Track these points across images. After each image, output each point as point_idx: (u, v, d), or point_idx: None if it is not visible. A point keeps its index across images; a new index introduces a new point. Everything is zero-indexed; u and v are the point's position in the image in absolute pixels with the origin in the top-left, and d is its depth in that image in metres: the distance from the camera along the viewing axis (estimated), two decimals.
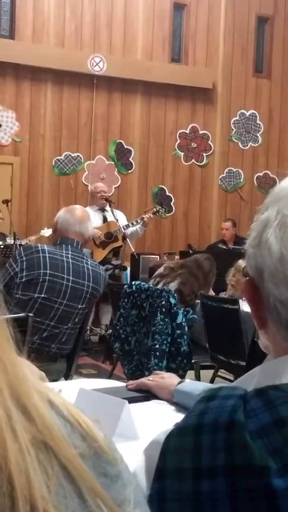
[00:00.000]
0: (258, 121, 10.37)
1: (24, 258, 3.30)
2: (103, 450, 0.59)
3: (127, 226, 7.31)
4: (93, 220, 4.36)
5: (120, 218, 7.35)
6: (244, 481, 0.71)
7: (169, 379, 2.08)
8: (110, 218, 7.38)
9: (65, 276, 3.33)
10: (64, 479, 0.54)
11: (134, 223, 7.42)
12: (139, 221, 7.44)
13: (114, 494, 0.57)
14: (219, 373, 5.00)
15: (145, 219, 7.43)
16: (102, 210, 7.47)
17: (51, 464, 0.54)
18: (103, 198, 7.43)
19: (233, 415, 0.74)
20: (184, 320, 4.27)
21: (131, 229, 7.37)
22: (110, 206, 7.42)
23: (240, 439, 0.72)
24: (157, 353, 4.16)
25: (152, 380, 2.12)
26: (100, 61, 9.19)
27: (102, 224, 7.38)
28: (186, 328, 4.29)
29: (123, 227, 7.15)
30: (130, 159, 9.61)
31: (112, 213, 7.25)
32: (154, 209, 7.64)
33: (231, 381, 4.20)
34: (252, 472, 0.70)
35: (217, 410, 0.76)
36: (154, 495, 0.75)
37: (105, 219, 7.43)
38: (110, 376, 5.20)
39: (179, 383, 2.01)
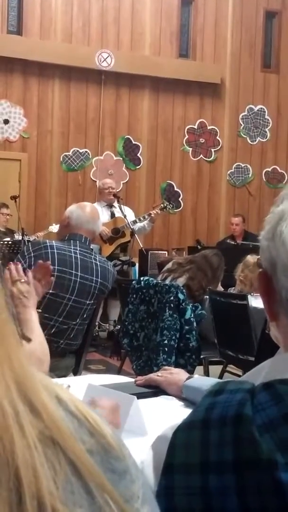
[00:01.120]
0: (266, 116, 10.33)
1: (32, 254, 3.29)
2: (111, 445, 0.58)
3: (135, 222, 7.31)
4: (100, 216, 4.37)
5: (128, 213, 7.36)
6: (252, 476, 0.70)
7: (178, 374, 2.08)
8: (117, 214, 7.38)
9: (73, 272, 3.33)
10: (72, 475, 0.54)
11: (142, 219, 7.43)
12: (146, 217, 7.44)
13: (122, 490, 0.57)
14: (227, 369, 5.00)
15: (152, 215, 7.42)
16: (110, 206, 7.47)
17: (59, 459, 0.54)
18: (111, 194, 7.44)
19: (240, 409, 0.74)
20: (192, 315, 4.26)
21: (138, 225, 7.38)
22: (118, 202, 7.42)
23: (248, 434, 0.72)
24: (166, 349, 4.16)
25: (161, 375, 2.12)
26: (108, 56, 9.18)
27: (110, 219, 7.38)
28: (195, 324, 4.28)
29: (130, 222, 7.16)
30: (138, 154, 9.61)
31: (120, 209, 7.26)
32: (162, 205, 7.63)
33: (239, 376, 4.20)
34: (260, 466, 0.70)
35: (225, 404, 0.76)
36: (162, 490, 0.75)
37: (112, 215, 7.44)
38: (118, 371, 5.20)
39: (187, 378, 2.01)
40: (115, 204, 7.43)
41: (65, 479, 0.53)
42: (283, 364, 0.85)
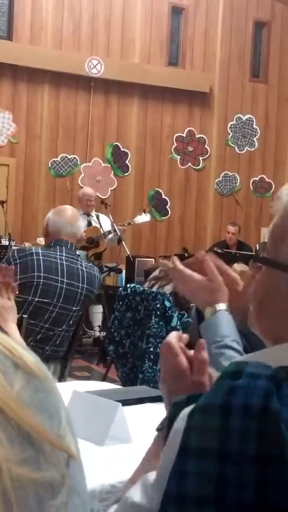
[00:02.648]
0: (254, 126, 10.38)
1: (18, 261, 3.29)
2: (34, 372, 0.59)
3: (109, 232, 7.36)
4: None
5: (104, 223, 7.44)
6: (275, 471, 0.70)
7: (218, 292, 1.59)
8: (94, 223, 7.47)
9: (59, 278, 3.33)
10: (6, 425, 0.53)
11: (112, 231, 7.41)
12: (121, 228, 7.45)
13: (53, 428, 0.57)
14: None
15: (125, 226, 7.52)
16: (88, 215, 7.54)
17: None
18: (89, 206, 7.53)
19: (267, 401, 0.72)
20: (179, 323, 4.27)
21: (110, 236, 7.43)
22: (105, 208, 7.50)
23: (274, 429, 0.71)
24: (151, 356, 4.16)
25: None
26: (98, 63, 9.20)
27: (86, 228, 7.42)
28: (181, 331, 4.28)
29: (104, 233, 7.26)
30: (127, 161, 9.62)
31: (97, 218, 7.36)
32: (138, 216, 7.77)
33: None
34: (284, 462, 0.69)
35: (247, 391, 0.74)
36: (174, 473, 0.74)
37: (89, 224, 7.50)
38: (103, 378, 5.19)
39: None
40: (92, 213, 7.52)
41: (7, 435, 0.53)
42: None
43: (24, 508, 0.51)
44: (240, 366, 0.77)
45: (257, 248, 0.95)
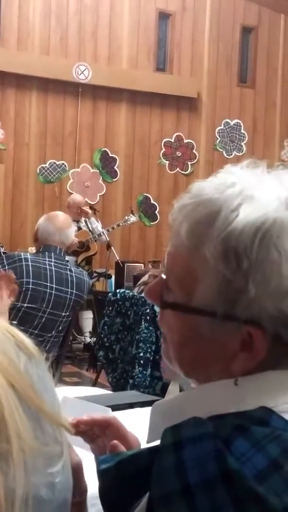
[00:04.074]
0: (242, 131, 10.42)
1: (6, 268, 3.28)
2: (33, 355, 0.67)
3: (99, 235, 7.40)
4: None
5: (93, 227, 7.48)
6: None
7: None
8: (83, 228, 7.50)
9: (48, 284, 3.32)
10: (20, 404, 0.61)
11: (106, 232, 7.54)
12: (110, 230, 7.61)
13: (50, 403, 0.65)
14: None
15: (114, 227, 7.60)
16: (77, 221, 7.55)
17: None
18: (78, 214, 7.56)
19: (224, 464, 0.65)
20: None
21: (100, 239, 7.51)
22: (95, 213, 7.51)
23: (249, 492, 0.63)
24: (141, 361, 4.15)
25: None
26: (85, 69, 9.20)
27: (76, 233, 7.45)
28: None
29: (94, 236, 7.31)
30: (115, 167, 9.62)
31: (86, 223, 7.40)
32: (126, 217, 7.83)
33: None
34: None
35: (197, 462, 0.66)
36: None
37: (79, 229, 7.51)
38: (94, 384, 5.18)
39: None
40: (82, 219, 7.55)
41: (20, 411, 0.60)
42: (219, 394, 0.76)
43: (35, 471, 0.60)
44: (176, 434, 0.69)
45: (159, 290, 0.83)
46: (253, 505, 0.63)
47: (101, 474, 0.77)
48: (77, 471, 0.79)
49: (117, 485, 0.74)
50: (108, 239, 7.52)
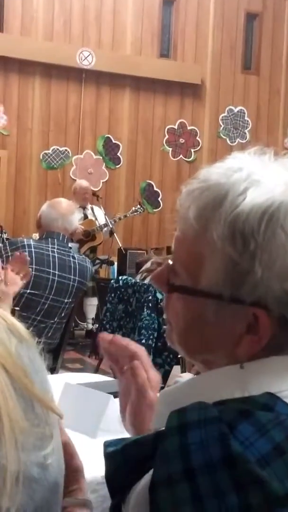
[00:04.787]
0: (246, 118, 10.38)
1: (9, 253, 3.28)
2: (23, 337, 0.69)
3: (105, 225, 7.37)
4: None
5: (99, 216, 7.44)
6: None
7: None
8: (90, 216, 7.46)
9: (51, 271, 3.33)
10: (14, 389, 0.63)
11: (112, 222, 7.51)
12: (117, 220, 7.60)
13: (40, 385, 0.67)
14: None
15: (121, 218, 7.66)
16: (83, 208, 7.52)
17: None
18: (86, 199, 7.51)
19: (227, 447, 0.66)
20: None
21: (105, 229, 7.47)
22: (97, 200, 7.49)
23: (251, 475, 0.64)
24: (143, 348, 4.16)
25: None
26: (89, 55, 9.16)
27: (82, 221, 7.42)
28: None
29: (100, 226, 7.27)
30: (118, 154, 9.60)
31: (92, 211, 7.36)
32: (134, 208, 7.79)
33: None
34: (280, 505, 0.64)
35: (201, 445, 0.67)
36: None
37: (85, 217, 7.49)
38: (96, 370, 5.20)
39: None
40: (88, 206, 7.51)
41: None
42: (225, 379, 0.77)
43: (27, 450, 0.62)
44: (181, 418, 0.70)
45: (167, 273, 0.85)
46: (255, 489, 0.64)
47: (107, 457, 0.78)
48: (65, 450, 0.80)
49: (122, 469, 0.75)
50: (112, 227, 7.52)
